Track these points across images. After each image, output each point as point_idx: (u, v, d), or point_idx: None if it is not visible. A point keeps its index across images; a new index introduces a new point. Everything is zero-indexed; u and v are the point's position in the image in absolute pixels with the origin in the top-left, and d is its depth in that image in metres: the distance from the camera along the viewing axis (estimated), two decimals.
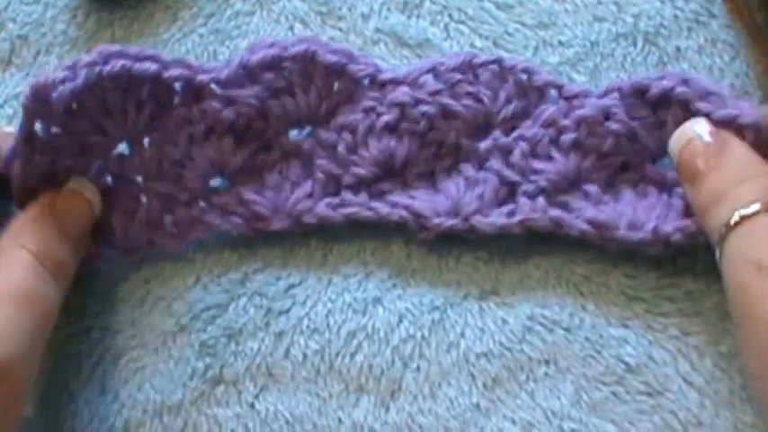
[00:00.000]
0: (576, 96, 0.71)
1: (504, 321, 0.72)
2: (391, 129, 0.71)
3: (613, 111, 0.69)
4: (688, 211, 0.67)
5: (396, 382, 0.71)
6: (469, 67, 0.71)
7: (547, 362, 0.71)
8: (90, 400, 0.71)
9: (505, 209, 0.70)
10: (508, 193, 0.71)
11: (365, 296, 0.74)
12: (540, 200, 0.70)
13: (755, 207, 0.60)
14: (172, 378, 0.72)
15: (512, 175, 0.70)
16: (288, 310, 0.74)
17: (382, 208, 0.71)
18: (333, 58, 0.70)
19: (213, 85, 0.70)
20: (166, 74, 0.68)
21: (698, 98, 0.66)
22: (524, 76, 0.71)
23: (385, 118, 0.71)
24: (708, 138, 0.65)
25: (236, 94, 0.70)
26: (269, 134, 0.72)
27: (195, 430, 0.70)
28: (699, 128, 0.65)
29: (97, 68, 0.66)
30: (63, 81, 0.65)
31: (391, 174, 0.72)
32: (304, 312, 0.73)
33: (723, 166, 0.63)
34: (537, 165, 0.70)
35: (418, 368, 0.71)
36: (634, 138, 0.69)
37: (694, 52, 0.77)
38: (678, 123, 0.67)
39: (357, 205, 0.71)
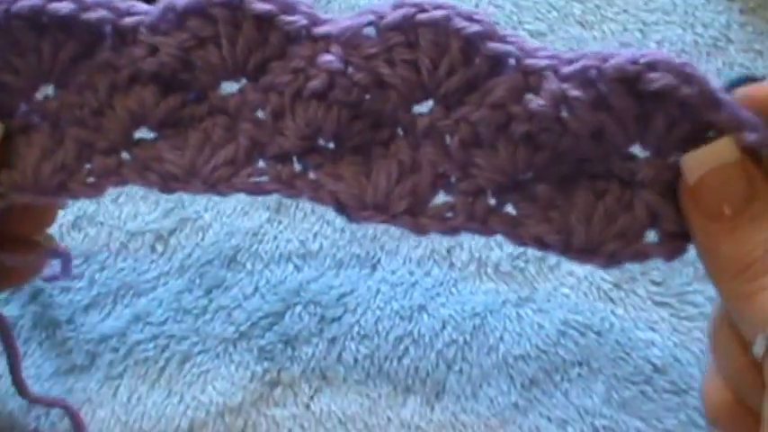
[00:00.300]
0: (535, 73, 0.57)
1: (540, 326, 0.76)
2: (320, 96, 0.60)
3: (573, 104, 0.55)
4: (651, 218, 0.58)
5: (440, 384, 0.74)
6: (412, 26, 0.58)
7: (580, 363, 0.74)
8: (157, 402, 0.74)
9: (442, 208, 0.61)
10: (445, 187, 0.61)
11: (411, 304, 0.77)
12: (480, 203, 0.60)
13: None
14: (233, 381, 0.75)
15: (449, 169, 0.60)
16: (340, 318, 0.77)
17: (305, 188, 0.62)
18: (264, 7, 0.59)
19: (141, 29, 0.61)
20: (85, 15, 0.61)
21: (706, 105, 0.53)
22: (474, 42, 0.57)
23: (313, 84, 0.59)
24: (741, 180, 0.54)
25: (160, 42, 0.61)
26: (197, 86, 0.63)
27: (255, 430, 0.73)
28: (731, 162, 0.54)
29: (3, 7, 0.60)
30: None
31: (322, 146, 0.63)
32: (355, 319, 0.77)
33: (750, 232, 0.54)
34: (479, 158, 0.59)
35: (461, 370, 0.75)
36: (600, 135, 0.56)
37: (713, 75, 0.72)
38: (671, 124, 0.55)
39: (279, 181, 0.62)
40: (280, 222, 0.83)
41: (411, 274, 0.79)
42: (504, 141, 0.58)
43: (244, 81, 0.63)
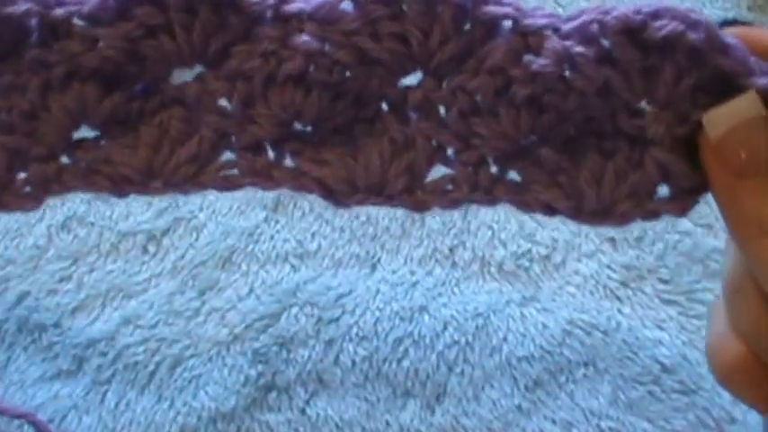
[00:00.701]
0: (534, 33, 0.54)
1: (545, 326, 0.75)
2: (297, 79, 0.55)
3: (578, 60, 0.52)
4: (662, 175, 0.55)
5: (441, 386, 0.73)
6: None
7: (585, 364, 0.73)
8: (147, 408, 0.73)
9: (442, 182, 0.57)
10: (442, 160, 0.58)
11: (412, 304, 0.76)
12: (483, 173, 0.57)
13: None
14: (226, 385, 0.73)
15: (446, 141, 0.57)
16: (337, 319, 0.76)
17: (285, 178, 0.57)
18: None
19: (75, 21, 0.55)
20: (9, 10, 0.55)
21: (714, 50, 0.51)
22: (467, 7, 0.54)
23: (288, 67, 0.54)
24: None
25: (101, 34, 0.55)
26: (146, 78, 0.57)
27: None
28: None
29: None
30: None
31: (299, 131, 0.58)
32: (353, 321, 0.76)
33: None
34: (479, 127, 0.56)
35: (462, 372, 0.73)
36: (607, 92, 0.54)
37: None
38: (679, 74, 0.52)
39: (253, 173, 0.57)
40: (277, 222, 0.82)
41: (412, 273, 0.78)
42: (506, 107, 0.54)
43: (200, 68, 0.57)
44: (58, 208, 0.83)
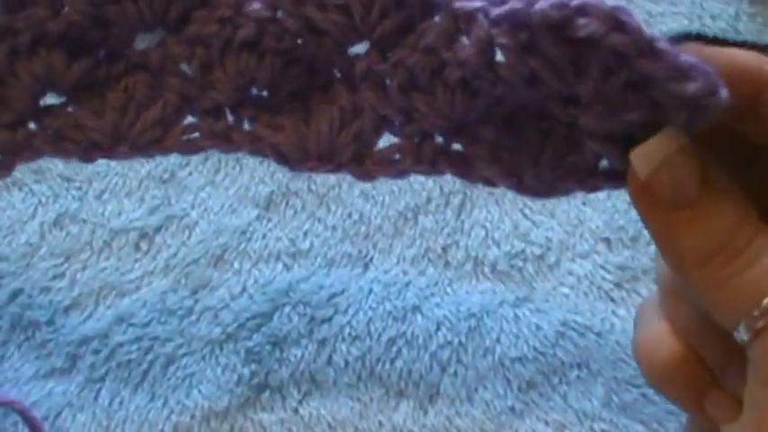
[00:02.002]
0: (466, 17, 0.53)
1: (538, 327, 0.74)
2: (251, 46, 0.57)
3: (503, 51, 0.51)
4: (598, 158, 0.55)
5: (434, 387, 0.73)
6: None
7: (579, 365, 0.73)
8: (140, 407, 0.73)
9: (388, 152, 0.59)
10: (390, 129, 0.59)
11: (404, 304, 0.76)
12: (427, 145, 0.58)
13: None
14: (219, 384, 0.73)
15: (391, 113, 0.57)
16: (330, 319, 0.75)
17: (243, 141, 0.59)
18: None
19: None
20: None
21: (640, 54, 0.48)
22: None
23: (242, 33, 0.56)
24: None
25: (66, 0, 0.56)
26: (111, 43, 0.58)
27: None
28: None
29: None
30: None
31: (256, 96, 0.60)
32: (346, 320, 0.75)
33: (709, 221, 0.51)
34: (419, 102, 0.56)
35: (455, 373, 0.73)
36: (535, 82, 0.52)
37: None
38: (605, 72, 0.49)
39: (214, 136, 0.59)
40: (269, 220, 0.82)
41: (404, 273, 0.78)
42: (441, 87, 0.55)
43: (161, 33, 0.59)
44: (50, 205, 0.83)
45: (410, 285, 0.77)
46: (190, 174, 0.85)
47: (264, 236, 0.80)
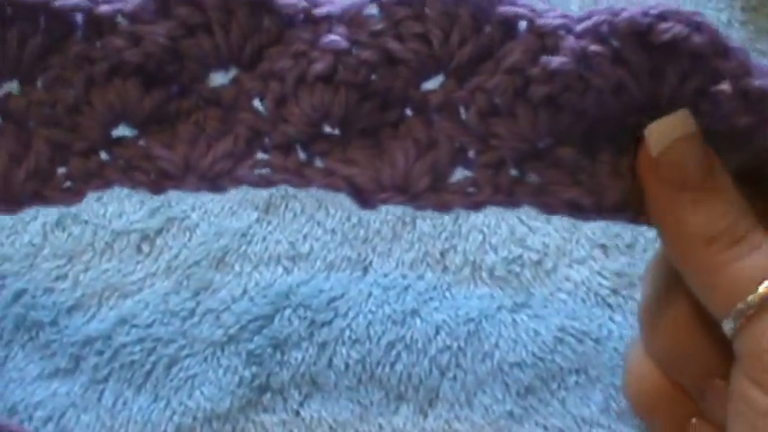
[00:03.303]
0: (549, 34, 0.54)
1: (537, 332, 0.75)
2: (325, 79, 0.56)
3: (595, 59, 0.54)
4: None
5: (433, 391, 0.73)
6: None
7: (577, 371, 0.73)
8: (143, 407, 0.73)
9: (464, 183, 0.59)
10: (466, 158, 0.59)
11: (404, 308, 0.76)
12: (503, 174, 0.58)
13: None
14: (221, 386, 0.74)
15: (467, 142, 0.58)
16: (330, 322, 0.76)
17: (315, 176, 0.59)
18: None
19: (119, 18, 0.57)
20: (57, 3, 0.56)
21: (717, 53, 0.53)
22: (484, 7, 0.55)
23: (318, 66, 0.56)
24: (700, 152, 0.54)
25: (144, 31, 0.56)
26: (184, 78, 0.59)
27: None
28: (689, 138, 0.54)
29: None
30: None
31: (327, 132, 0.59)
32: (346, 324, 0.76)
33: (714, 204, 0.54)
34: (498, 127, 0.56)
35: (455, 377, 0.74)
36: (620, 90, 0.55)
37: None
38: (682, 76, 0.54)
39: (285, 171, 0.59)
40: (269, 223, 0.82)
41: (404, 277, 0.78)
42: (524, 106, 0.55)
43: (235, 71, 0.59)
44: (51, 207, 0.82)
45: (409, 289, 0.78)
46: None
47: (264, 238, 0.81)
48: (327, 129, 0.59)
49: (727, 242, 0.53)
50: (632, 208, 0.58)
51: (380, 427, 0.72)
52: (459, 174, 0.58)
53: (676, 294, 0.59)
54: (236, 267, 0.79)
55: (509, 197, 0.58)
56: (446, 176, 0.58)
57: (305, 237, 0.81)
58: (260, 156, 0.59)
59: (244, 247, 0.80)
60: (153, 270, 0.79)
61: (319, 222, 0.81)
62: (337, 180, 0.58)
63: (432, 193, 0.58)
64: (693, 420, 0.61)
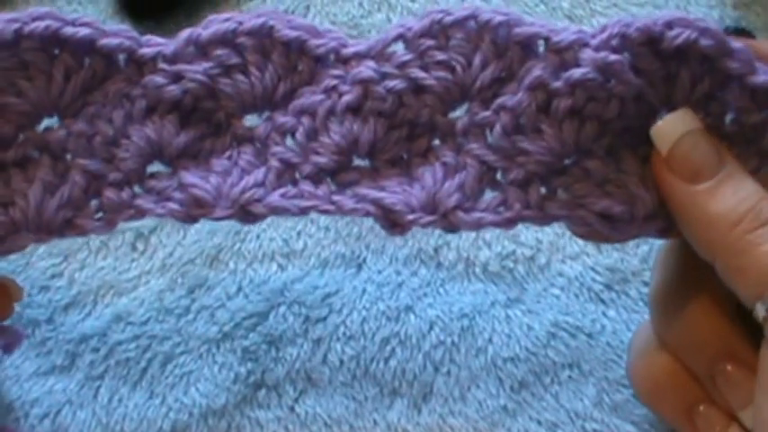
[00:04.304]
0: (567, 48, 0.58)
1: (530, 328, 0.75)
2: (354, 110, 0.60)
3: (616, 68, 0.56)
4: None
5: (427, 386, 0.74)
6: (441, 29, 0.59)
7: (570, 366, 0.74)
8: (139, 404, 0.74)
9: (493, 202, 0.60)
10: (494, 180, 0.60)
11: (398, 304, 0.77)
12: (533, 191, 0.59)
13: None
14: (216, 383, 0.74)
15: (495, 161, 0.60)
16: (325, 318, 0.76)
17: (346, 202, 0.60)
18: (292, 34, 0.60)
19: (159, 61, 0.61)
20: (102, 42, 0.60)
21: (724, 55, 0.56)
22: (502, 31, 0.59)
23: (346, 98, 0.60)
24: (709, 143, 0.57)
25: (184, 69, 0.60)
26: (219, 116, 0.62)
27: None
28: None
29: (16, 25, 0.59)
30: None
31: (356, 165, 0.62)
32: (340, 320, 0.76)
33: (733, 189, 0.56)
34: (524, 143, 0.59)
35: (449, 372, 0.74)
36: (639, 98, 0.58)
37: None
38: (693, 80, 0.57)
39: (316, 198, 0.60)
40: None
41: (397, 273, 0.78)
42: (548, 121, 0.58)
43: (267, 113, 0.62)
44: None
45: (403, 286, 0.78)
46: None
47: (258, 236, 0.81)
48: (357, 161, 0.61)
49: (753, 223, 0.54)
50: (663, 216, 0.59)
51: (375, 422, 0.73)
52: (489, 196, 0.60)
53: (689, 282, 0.61)
54: (231, 265, 0.79)
55: (540, 212, 0.60)
56: (475, 197, 0.60)
57: (299, 234, 0.81)
58: (291, 186, 0.61)
59: (238, 245, 0.80)
60: (148, 268, 0.80)
61: (313, 219, 0.81)
62: (367, 204, 0.60)
63: (461, 213, 0.59)
64: (701, 408, 0.62)
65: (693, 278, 0.61)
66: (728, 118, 0.59)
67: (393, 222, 0.61)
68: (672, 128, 0.57)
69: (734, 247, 0.54)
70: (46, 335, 0.76)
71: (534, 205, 0.59)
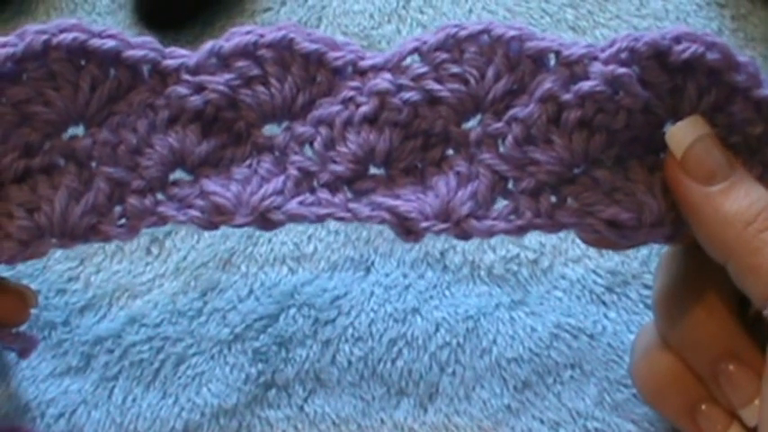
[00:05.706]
0: (577, 62, 0.59)
1: (533, 329, 0.76)
2: (371, 120, 0.61)
3: (624, 80, 0.57)
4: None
5: (433, 386, 0.75)
6: (455, 43, 0.60)
7: (572, 366, 0.75)
8: (152, 404, 0.75)
9: (505, 210, 0.61)
10: (505, 189, 0.62)
11: (405, 306, 0.78)
12: (543, 199, 0.60)
13: None
14: (227, 383, 0.75)
15: (507, 170, 0.61)
16: (334, 320, 0.77)
17: (362, 210, 0.61)
18: (311, 47, 0.61)
19: (182, 72, 0.62)
20: (127, 53, 0.61)
21: (730, 68, 0.58)
22: (515, 45, 0.60)
23: (363, 109, 0.61)
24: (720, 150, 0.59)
25: (206, 80, 0.61)
26: (239, 126, 0.63)
27: (249, 431, 0.74)
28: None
29: (45, 37, 0.60)
30: (4, 45, 0.59)
31: (374, 170, 0.63)
32: (349, 322, 0.77)
33: (745, 191, 0.57)
34: (534, 153, 0.60)
35: (454, 373, 0.75)
36: (647, 109, 0.59)
37: None
38: (700, 92, 0.58)
39: (333, 206, 0.62)
40: None
41: (404, 276, 0.79)
42: (558, 132, 0.59)
43: (286, 123, 0.63)
44: None
45: (410, 288, 0.79)
46: None
47: (270, 240, 0.82)
48: (373, 170, 0.63)
49: (766, 222, 0.55)
50: (670, 223, 0.60)
51: (382, 421, 0.74)
52: (501, 204, 0.62)
53: (693, 284, 0.63)
54: (243, 268, 0.80)
55: (550, 220, 0.61)
56: (487, 205, 0.61)
57: (309, 238, 0.82)
58: (308, 194, 0.62)
59: (250, 249, 0.81)
60: (162, 271, 0.81)
61: (323, 224, 0.81)
62: (382, 212, 0.61)
63: (474, 221, 0.61)
64: (703, 407, 0.63)
65: (697, 280, 0.63)
66: (734, 129, 0.60)
67: (407, 230, 0.62)
68: (686, 132, 0.58)
69: (748, 246, 0.56)
70: (62, 337, 0.77)
71: (545, 213, 0.60)
